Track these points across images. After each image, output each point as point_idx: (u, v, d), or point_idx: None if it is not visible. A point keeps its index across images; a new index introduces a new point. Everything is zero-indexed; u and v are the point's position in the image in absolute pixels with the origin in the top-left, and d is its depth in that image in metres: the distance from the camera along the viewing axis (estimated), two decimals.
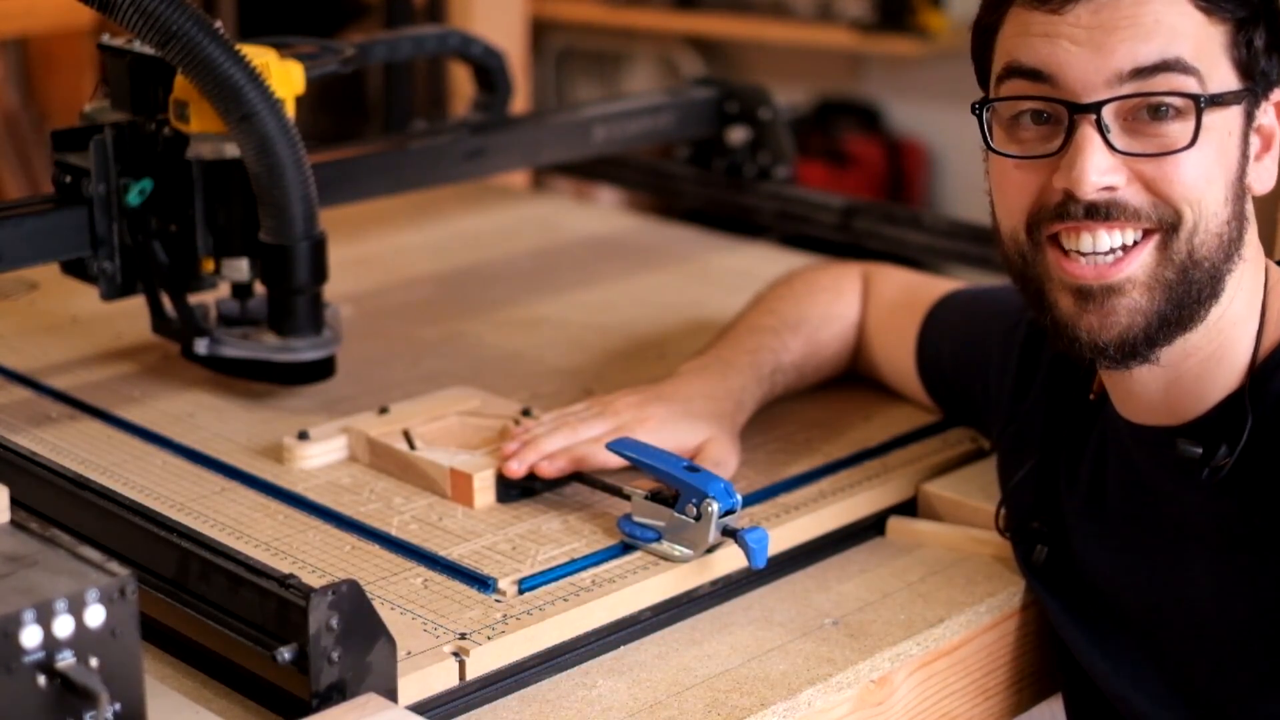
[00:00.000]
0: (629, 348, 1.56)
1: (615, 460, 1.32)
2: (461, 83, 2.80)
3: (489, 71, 1.99)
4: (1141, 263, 1.10)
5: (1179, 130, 1.08)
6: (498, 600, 1.19)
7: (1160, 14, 1.08)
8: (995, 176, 1.16)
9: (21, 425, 1.48)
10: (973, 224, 1.99)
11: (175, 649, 1.14)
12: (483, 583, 1.21)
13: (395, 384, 1.58)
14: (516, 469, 1.33)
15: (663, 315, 1.80)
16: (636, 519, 1.27)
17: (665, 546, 1.25)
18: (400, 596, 1.18)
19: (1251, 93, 1.11)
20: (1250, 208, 1.13)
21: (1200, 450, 1.12)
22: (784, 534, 1.31)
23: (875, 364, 1.55)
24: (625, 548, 1.27)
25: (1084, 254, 1.10)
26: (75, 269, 1.54)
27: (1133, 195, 1.09)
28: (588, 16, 4.77)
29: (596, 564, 1.24)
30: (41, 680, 0.90)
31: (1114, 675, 1.22)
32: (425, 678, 1.09)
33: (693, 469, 1.25)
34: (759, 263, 2.03)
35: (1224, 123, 1.10)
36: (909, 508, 1.41)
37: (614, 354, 1.58)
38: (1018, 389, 1.33)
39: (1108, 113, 1.08)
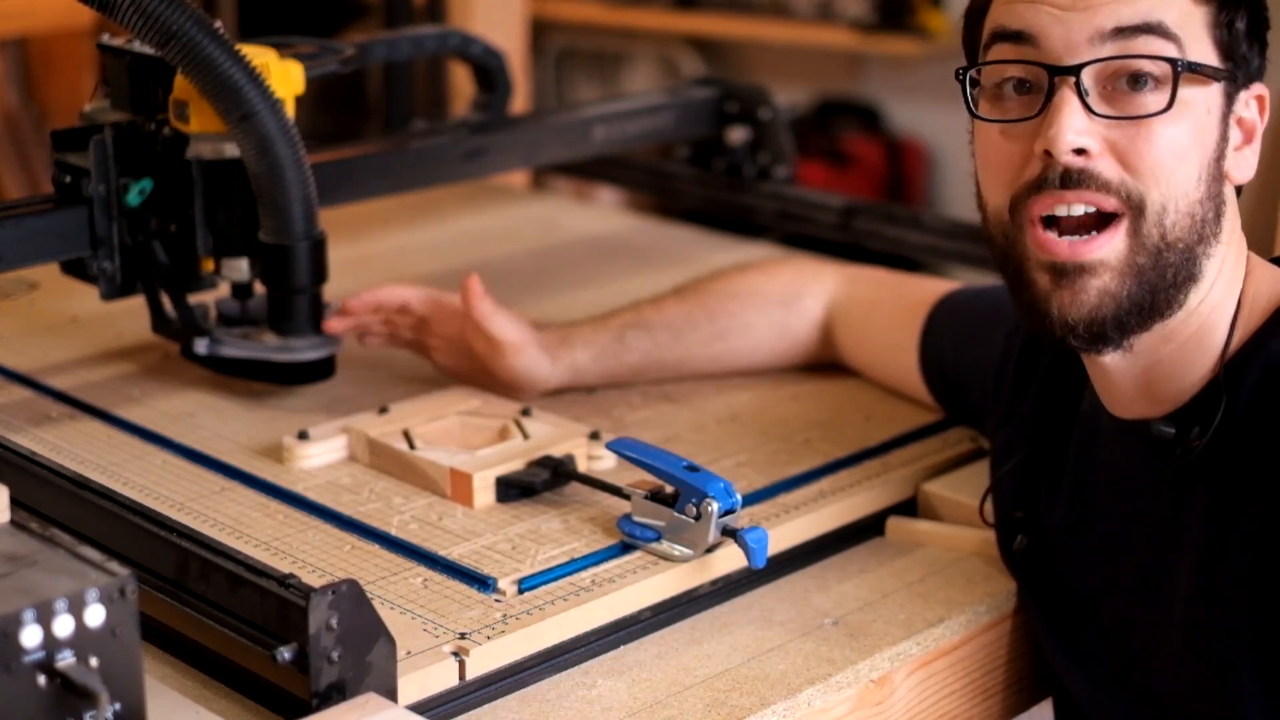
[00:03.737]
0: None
1: (404, 293, 1.54)
2: (461, 83, 2.80)
3: (489, 71, 1.99)
4: (1114, 247, 1.09)
5: (1155, 100, 1.08)
6: (497, 600, 1.19)
7: None
8: (980, 149, 1.16)
9: (21, 425, 1.48)
10: (973, 224, 1.97)
11: (175, 649, 1.14)
12: (482, 582, 1.21)
13: (395, 384, 1.58)
14: (370, 340, 1.54)
15: None
16: (636, 519, 1.27)
17: (665, 546, 1.25)
18: (400, 596, 1.18)
19: (1231, 76, 1.11)
20: (1230, 193, 1.14)
21: (1173, 431, 1.13)
22: (784, 534, 1.31)
23: (867, 360, 1.55)
24: (625, 548, 1.27)
25: (1060, 223, 1.10)
26: (75, 269, 1.54)
27: (1105, 167, 1.09)
28: (588, 16, 4.77)
29: (596, 564, 1.24)
30: (41, 680, 0.90)
31: (1075, 670, 1.23)
32: (425, 677, 1.09)
33: (693, 469, 1.25)
34: None
35: (1203, 99, 1.10)
36: (909, 508, 1.41)
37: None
38: (1015, 390, 1.33)
39: (1087, 76, 1.09)
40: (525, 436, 1.40)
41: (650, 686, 1.15)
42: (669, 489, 1.26)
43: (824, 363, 1.59)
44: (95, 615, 0.91)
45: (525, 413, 1.45)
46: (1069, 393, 1.26)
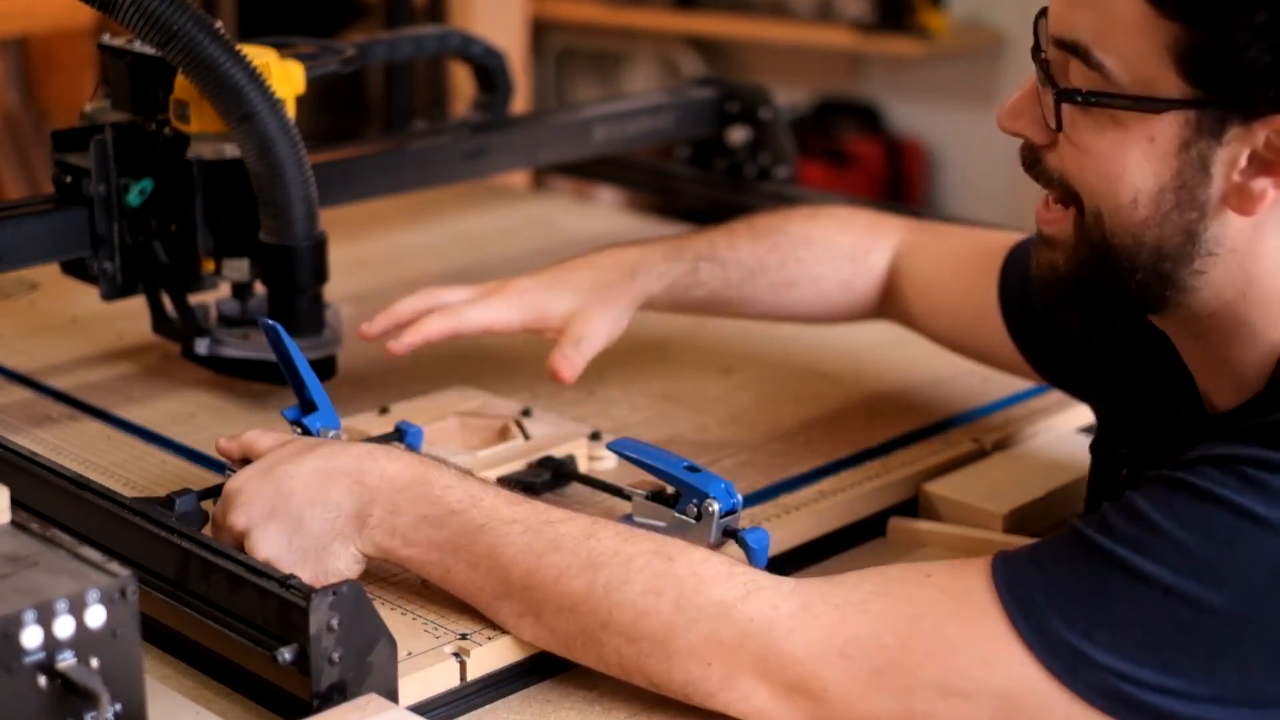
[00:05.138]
0: (629, 348, 1.56)
1: (485, 318, 1.40)
2: (461, 83, 2.80)
3: (489, 71, 1.99)
4: (1064, 227, 1.08)
5: (1067, 112, 1.05)
6: None
7: None
8: None
9: (21, 425, 1.48)
10: (973, 224, 1.98)
11: (175, 649, 1.14)
12: None
13: (395, 384, 1.58)
14: (397, 348, 1.40)
15: (663, 315, 1.79)
16: (637, 519, 1.26)
17: None
18: (401, 597, 1.18)
19: (1205, 105, 0.99)
20: (1237, 228, 1.02)
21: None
22: (785, 534, 1.31)
23: (935, 308, 1.48)
24: None
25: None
26: (75, 269, 1.54)
27: (1052, 159, 1.08)
28: (588, 16, 4.77)
29: None
30: (42, 681, 0.90)
31: None
32: (426, 678, 1.09)
33: (693, 469, 1.25)
34: None
35: (1141, 128, 1.01)
36: (910, 508, 1.41)
37: (614, 354, 1.58)
38: (1116, 350, 1.27)
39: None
40: (526, 437, 1.40)
41: None
42: (670, 489, 1.26)
43: (880, 319, 1.54)
44: (96, 616, 0.91)
45: (526, 413, 1.45)
46: (1173, 367, 1.17)
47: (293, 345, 1.26)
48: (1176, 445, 1.13)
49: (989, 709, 1.00)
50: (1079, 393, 1.41)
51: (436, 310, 1.43)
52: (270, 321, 1.26)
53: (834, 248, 1.51)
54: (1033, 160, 1.09)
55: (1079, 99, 1.03)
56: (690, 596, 1.06)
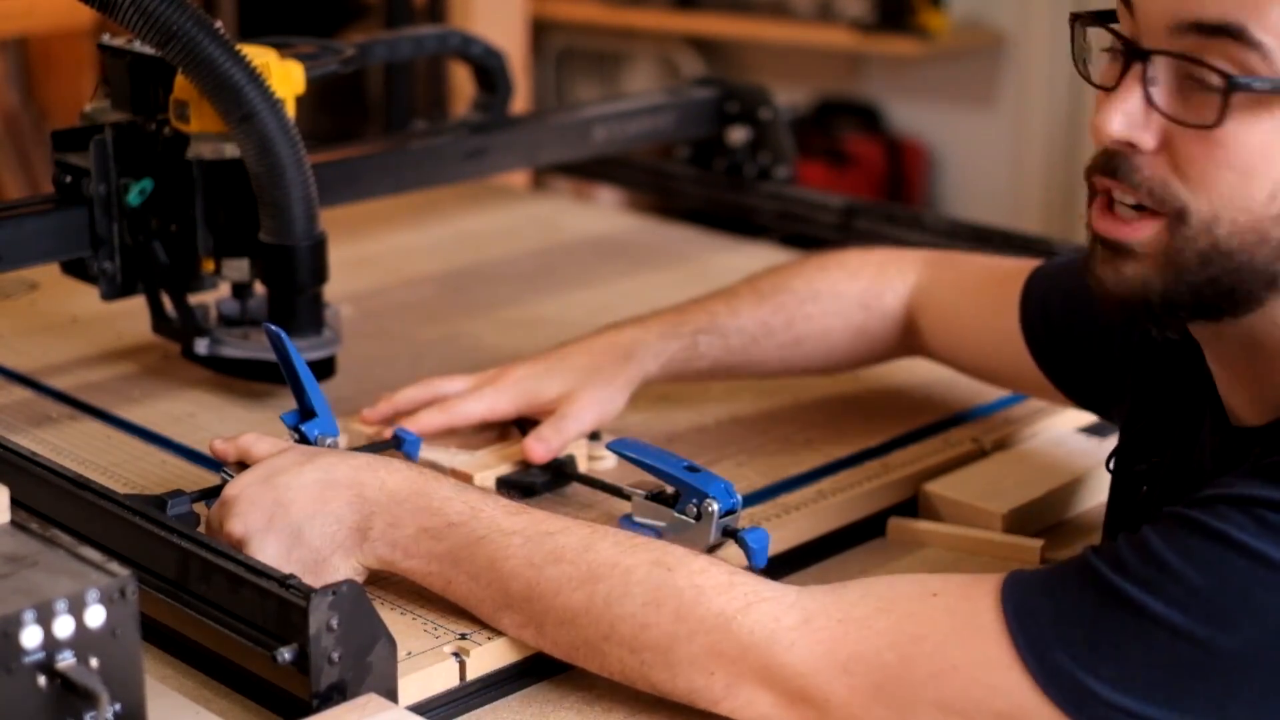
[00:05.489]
0: None
1: (478, 410, 1.39)
2: (461, 83, 2.80)
3: (489, 71, 1.99)
4: (1150, 237, 1.02)
5: (1211, 110, 0.98)
6: None
7: None
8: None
9: (21, 425, 1.48)
10: (973, 224, 1.98)
11: (175, 649, 1.14)
12: None
13: (395, 384, 1.57)
14: (386, 431, 1.38)
15: None
16: (636, 519, 1.27)
17: None
18: (400, 596, 1.18)
19: None
20: None
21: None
22: (784, 534, 1.31)
23: (958, 338, 1.45)
24: None
25: (1112, 204, 1.04)
26: (75, 269, 1.54)
27: (1150, 164, 1.01)
28: (588, 16, 4.77)
29: None
30: (42, 680, 0.90)
31: None
32: (426, 678, 1.09)
33: (693, 469, 1.25)
34: (759, 263, 2.01)
35: None
36: (909, 508, 1.41)
37: None
38: (1142, 347, 1.24)
39: (1160, 65, 1.00)
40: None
41: None
42: (669, 489, 1.26)
43: (903, 358, 1.53)
44: (95, 616, 0.91)
45: None
46: (1198, 377, 1.15)
47: (294, 351, 1.26)
48: (1199, 458, 1.13)
49: None
50: (1103, 410, 1.39)
51: (435, 403, 1.42)
52: (274, 327, 1.26)
53: (843, 298, 1.48)
54: (1115, 167, 1.02)
55: (1255, 86, 0.96)
56: (690, 608, 1.06)
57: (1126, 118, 1.01)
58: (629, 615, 1.07)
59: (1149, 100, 1.01)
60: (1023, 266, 1.42)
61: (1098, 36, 1.08)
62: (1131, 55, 1.01)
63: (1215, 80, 0.98)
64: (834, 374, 1.55)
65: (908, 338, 1.49)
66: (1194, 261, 1.01)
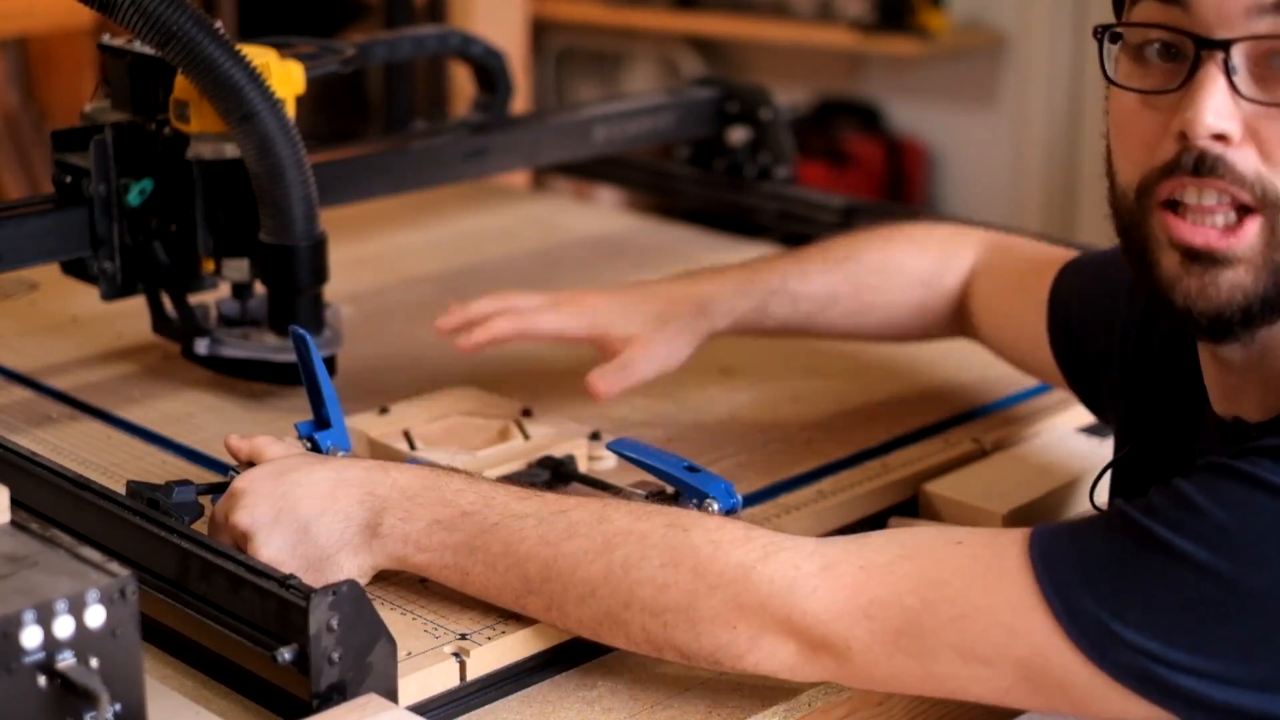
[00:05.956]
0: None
1: (552, 325, 1.44)
2: (461, 83, 2.80)
3: (489, 71, 1.99)
4: (1250, 242, 1.00)
5: None
6: None
7: None
8: (1114, 115, 1.06)
9: (21, 425, 1.48)
10: (973, 224, 1.98)
11: (175, 649, 1.14)
12: None
13: (395, 384, 1.58)
14: (466, 345, 1.44)
15: None
16: None
17: None
18: (400, 597, 1.18)
19: None
20: None
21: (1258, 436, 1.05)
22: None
23: (995, 328, 1.47)
24: None
25: (1191, 212, 1.01)
26: (75, 269, 1.54)
27: (1242, 158, 0.99)
28: (588, 16, 4.77)
29: None
30: (42, 681, 0.90)
31: None
32: (426, 678, 1.09)
33: (693, 469, 1.25)
34: None
35: None
36: (910, 508, 1.41)
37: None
38: (1137, 354, 1.26)
39: (1237, 52, 0.98)
40: (526, 437, 1.40)
41: (651, 688, 1.15)
42: (670, 489, 1.26)
43: (957, 338, 1.53)
44: (95, 616, 0.91)
45: (526, 413, 1.45)
46: (1190, 382, 1.16)
47: (318, 358, 1.26)
48: (1194, 455, 1.13)
49: (1010, 676, 1.00)
50: (1103, 413, 1.39)
51: (508, 312, 1.46)
52: (300, 331, 1.26)
53: (907, 274, 1.50)
54: (1215, 166, 1.00)
55: None
56: (708, 563, 1.06)
57: (1217, 111, 0.98)
58: (648, 578, 1.07)
59: (1235, 90, 0.99)
60: (1060, 256, 1.42)
61: (1133, 37, 1.04)
62: (1204, 47, 0.99)
63: None
64: (896, 343, 1.57)
65: (960, 319, 1.51)
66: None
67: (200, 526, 1.20)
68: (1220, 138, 0.99)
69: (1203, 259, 1.01)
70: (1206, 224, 1.01)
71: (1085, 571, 0.98)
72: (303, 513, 1.14)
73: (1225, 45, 0.98)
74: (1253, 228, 1.00)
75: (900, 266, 1.50)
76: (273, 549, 1.13)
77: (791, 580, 1.04)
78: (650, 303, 1.47)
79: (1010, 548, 1.01)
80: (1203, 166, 0.99)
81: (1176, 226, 1.02)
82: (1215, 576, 0.95)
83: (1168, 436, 1.20)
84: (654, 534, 1.09)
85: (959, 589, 1.01)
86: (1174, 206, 1.02)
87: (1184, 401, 1.18)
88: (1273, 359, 1.06)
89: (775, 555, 1.06)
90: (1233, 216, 1.01)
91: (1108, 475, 1.26)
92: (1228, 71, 0.99)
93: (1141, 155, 1.04)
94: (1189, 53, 1.00)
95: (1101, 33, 1.06)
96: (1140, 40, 1.04)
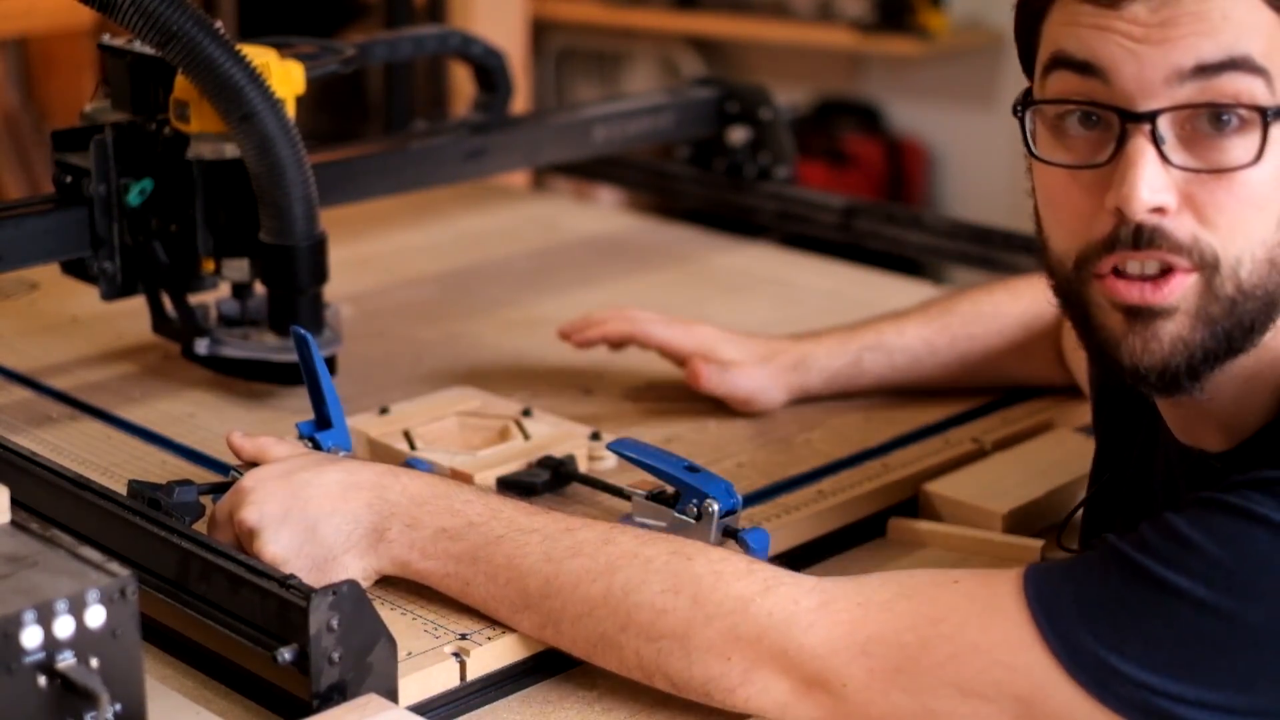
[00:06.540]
0: (630, 348, 1.56)
1: (662, 336, 1.51)
2: (461, 83, 2.80)
3: (489, 71, 1.99)
4: (1184, 294, 0.99)
5: (1241, 148, 0.97)
6: None
7: (1227, 9, 0.95)
8: (1042, 189, 1.05)
9: (21, 425, 1.48)
10: (973, 224, 1.99)
11: (175, 649, 1.14)
12: None
13: (395, 384, 1.58)
14: (578, 338, 1.53)
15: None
16: (637, 519, 1.26)
17: None
18: (401, 597, 1.18)
19: None
20: None
21: (1221, 467, 1.06)
22: (784, 534, 1.31)
23: (1081, 375, 1.40)
24: None
25: (1130, 276, 1.01)
26: (75, 269, 1.54)
27: (1178, 225, 0.98)
28: (588, 16, 4.77)
29: None
30: (42, 681, 0.90)
31: None
32: (426, 678, 1.09)
33: (693, 469, 1.25)
34: (759, 263, 2.03)
35: None
36: (910, 508, 1.41)
37: (615, 354, 1.58)
38: (1104, 399, 1.26)
39: (1164, 122, 0.97)
40: (526, 437, 1.40)
41: (651, 688, 1.15)
42: (670, 489, 1.26)
43: (1066, 382, 1.51)
44: (96, 616, 0.91)
45: (526, 413, 1.45)
46: (1151, 411, 1.15)
47: (320, 359, 1.26)
48: (1155, 484, 1.14)
49: (1009, 712, 1.00)
50: None
51: (624, 319, 1.52)
52: (302, 331, 1.26)
53: (1005, 318, 1.52)
54: (1153, 237, 0.98)
55: None
56: (708, 593, 1.06)
57: (1151, 185, 0.97)
58: (646, 603, 1.07)
59: (1165, 160, 0.98)
60: None
61: (1052, 108, 1.03)
62: (1130, 120, 0.98)
63: (1241, 116, 0.96)
64: (1003, 389, 1.56)
65: (1062, 365, 1.50)
66: (1225, 307, 1.00)
67: (201, 526, 1.20)
68: (1157, 210, 0.98)
69: (1143, 314, 1.01)
70: (1144, 283, 1.00)
71: (1082, 608, 0.99)
72: (312, 512, 1.14)
73: (1151, 117, 0.97)
74: (1187, 280, 0.99)
75: (997, 312, 1.52)
76: (278, 546, 1.13)
77: (790, 614, 1.04)
78: (756, 344, 1.52)
79: (1006, 585, 1.02)
80: (1140, 239, 0.98)
81: (1115, 287, 1.01)
82: (1213, 612, 0.95)
83: (1135, 464, 1.20)
84: (657, 559, 1.09)
85: (956, 626, 1.01)
86: (1115, 272, 1.01)
87: (1147, 429, 1.18)
88: (1223, 399, 1.06)
89: (775, 589, 1.06)
90: (1161, 274, 1.00)
91: (1079, 513, 1.28)
92: (1156, 142, 0.97)
93: (1077, 227, 1.02)
94: (1113, 124, 0.99)
95: (1022, 108, 1.05)
96: (1060, 111, 1.02)
